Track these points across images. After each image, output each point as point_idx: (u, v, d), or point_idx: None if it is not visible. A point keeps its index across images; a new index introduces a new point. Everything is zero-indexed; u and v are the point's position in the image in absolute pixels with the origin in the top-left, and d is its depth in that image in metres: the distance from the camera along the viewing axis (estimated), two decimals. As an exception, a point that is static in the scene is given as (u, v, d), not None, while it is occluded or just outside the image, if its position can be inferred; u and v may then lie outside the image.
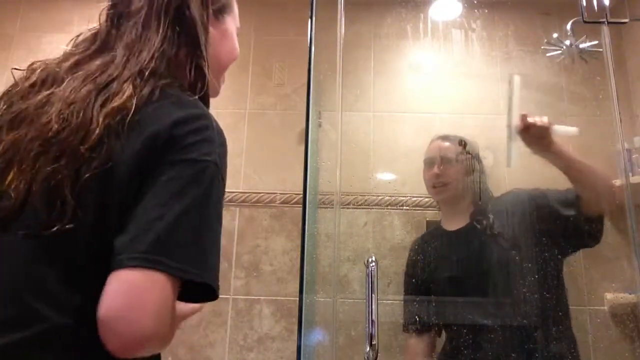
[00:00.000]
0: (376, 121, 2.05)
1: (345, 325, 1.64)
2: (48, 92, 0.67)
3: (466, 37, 2.08)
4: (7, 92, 0.73)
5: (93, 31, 0.74)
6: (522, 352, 1.31)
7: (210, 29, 0.77)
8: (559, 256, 1.40)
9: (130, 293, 0.56)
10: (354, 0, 1.82)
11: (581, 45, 1.73)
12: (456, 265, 1.45)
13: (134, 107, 0.62)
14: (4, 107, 0.69)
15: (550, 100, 2.02)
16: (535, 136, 1.34)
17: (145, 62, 0.67)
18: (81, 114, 0.62)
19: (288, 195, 1.99)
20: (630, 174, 1.71)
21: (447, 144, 1.54)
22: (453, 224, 1.51)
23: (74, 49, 0.73)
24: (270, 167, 2.04)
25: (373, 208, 1.92)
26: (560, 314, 1.36)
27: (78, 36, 0.75)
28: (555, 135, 1.35)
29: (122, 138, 0.61)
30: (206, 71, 0.73)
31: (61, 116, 0.62)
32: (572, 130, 1.46)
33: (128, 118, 0.61)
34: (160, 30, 0.69)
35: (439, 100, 2.07)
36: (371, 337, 1.14)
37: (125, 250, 0.58)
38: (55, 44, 2.20)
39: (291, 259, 1.93)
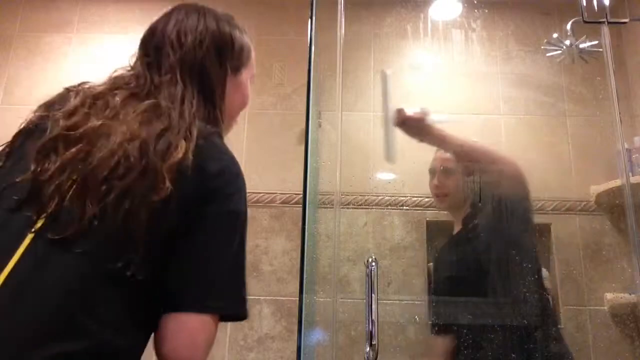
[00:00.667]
0: (376, 121, 2.05)
1: (345, 325, 1.64)
2: (103, 119, 0.71)
3: (466, 37, 2.08)
4: (50, 104, 0.79)
5: (131, 72, 0.81)
6: (523, 353, 1.32)
7: (227, 85, 0.86)
8: (530, 250, 1.43)
9: (189, 335, 0.68)
10: (354, 0, 1.82)
11: (581, 45, 1.73)
12: (451, 268, 1.50)
13: (190, 161, 0.69)
14: (58, 117, 0.73)
15: (550, 100, 2.03)
16: (413, 127, 1.40)
17: (189, 119, 0.74)
18: (144, 160, 0.67)
19: (288, 195, 1.99)
20: (630, 174, 1.71)
21: (447, 154, 1.56)
22: (455, 229, 1.55)
23: (114, 84, 0.79)
24: (270, 167, 2.04)
25: (373, 208, 1.92)
26: (547, 313, 1.39)
27: (115, 71, 0.82)
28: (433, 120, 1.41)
29: (182, 191, 0.67)
30: (220, 120, 0.83)
31: (124, 153, 0.67)
32: (443, 117, 1.52)
33: (188, 172, 0.68)
34: (192, 90, 0.79)
35: (439, 100, 2.07)
36: (371, 337, 1.14)
37: (184, 295, 0.68)
38: (55, 44, 2.21)
39: (291, 259, 1.93)
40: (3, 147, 0.76)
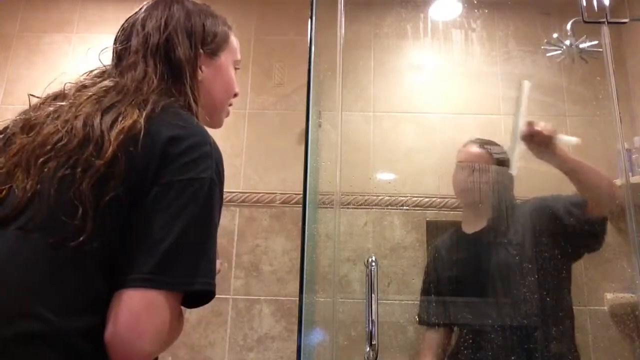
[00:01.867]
0: (376, 121, 2.05)
1: (345, 325, 1.64)
2: (56, 106, 0.74)
3: (466, 37, 2.08)
4: (27, 109, 0.80)
5: (103, 68, 0.85)
6: (523, 353, 1.31)
7: (203, 67, 0.86)
8: (565, 262, 1.43)
9: (130, 315, 0.61)
10: (354, 0, 1.82)
11: (581, 45, 1.72)
12: (466, 267, 1.48)
13: (143, 127, 0.67)
14: (19, 117, 0.76)
15: (550, 100, 2.02)
16: (539, 143, 1.36)
17: (146, 93, 0.74)
18: (88, 128, 0.67)
19: (288, 195, 1.99)
20: (630, 174, 1.71)
21: (480, 150, 1.57)
22: (472, 227, 1.54)
23: (85, 77, 0.82)
24: (270, 167, 2.04)
25: (373, 208, 1.92)
26: (564, 317, 1.38)
27: (92, 71, 0.85)
28: (561, 143, 1.38)
29: (131, 157, 0.66)
30: (190, 97, 0.80)
31: (68, 126, 0.68)
32: (574, 140, 1.48)
33: (140, 137, 0.66)
34: (155, 68, 0.79)
35: (439, 100, 2.07)
36: (371, 337, 1.14)
37: (130, 271, 0.62)
38: (55, 44, 2.21)
39: (291, 259, 1.93)
40: None
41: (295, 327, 1.11)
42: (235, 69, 0.99)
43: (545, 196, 1.54)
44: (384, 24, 2.11)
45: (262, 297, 1.89)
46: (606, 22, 1.58)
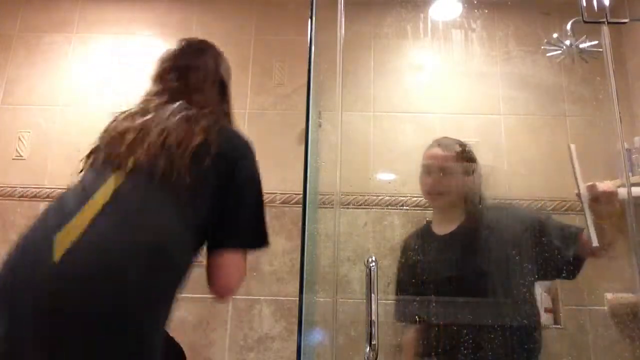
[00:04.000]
0: (376, 121, 2.05)
1: (345, 325, 1.64)
2: (148, 117, 1.06)
3: (466, 37, 2.08)
4: (110, 124, 1.13)
5: (161, 86, 1.15)
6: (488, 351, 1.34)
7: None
8: (535, 279, 1.44)
9: (223, 267, 1.00)
10: (354, 0, 1.82)
11: (581, 45, 1.73)
12: (435, 268, 1.47)
13: (216, 137, 1.04)
14: (113, 126, 1.10)
15: (550, 100, 2.03)
16: (603, 204, 1.29)
17: (213, 113, 1.11)
18: (182, 134, 1.01)
19: (288, 195, 2.00)
20: (630, 174, 1.71)
21: (445, 152, 1.54)
22: (442, 229, 1.53)
23: (149, 97, 1.15)
24: (270, 167, 2.03)
25: (373, 208, 1.92)
26: (529, 319, 1.40)
27: (148, 92, 1.16)
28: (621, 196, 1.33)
29: (214, 152, 1.02)
30: (231, 116, 1.22)
31: (168, 129, 1.02)
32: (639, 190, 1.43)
33: (211, 147, 1.02)
34: (215, 95, 1.18)
35: (439, 100, 2.07)
36: (371, 337, 1.14)
37: (224, 236, 1.01)
38: (55, 44, 2.21)
39: (291, 259, 1.93)
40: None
41: (295, 327, 1.11)
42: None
43: (528, 210, 1.57)
44: (384, 24, 2.11)
45: (262, 297, 1.89)
46: (606, 22, 1.58)
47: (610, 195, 1.28)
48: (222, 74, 1.22)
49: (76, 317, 0.77)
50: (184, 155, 0.97)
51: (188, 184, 0.95)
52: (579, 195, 1.31)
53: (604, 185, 1.29)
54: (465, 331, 1.37)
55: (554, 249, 1.37)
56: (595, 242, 1.27)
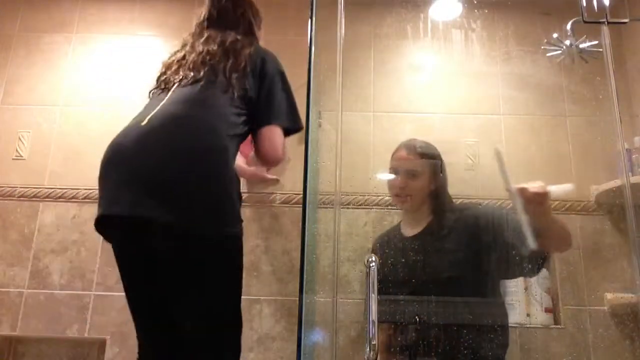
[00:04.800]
0: (376, 121, 2.05)
1: (345, 325, 1.64)
2: (187, 47, 1.45)
3: (466, 37, 2.08)
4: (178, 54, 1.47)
5: (205, 17, 1.50)
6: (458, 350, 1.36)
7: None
8: (500, 276, 1.47)
9: (269, 138, 1.35)
10: (354, 0, 1.82)
11: (581, 45, 1.73)
12: (404, 270, 1.49)
13: (252, 54, 1.41)
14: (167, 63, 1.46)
15: (550, 100, 2.03)
16: (534, 205, 1.31)
17: (245, 37, 1.48)
18: (230, 53, 1.39)
19: (288, 195, 2.00)
20: (630, 174, 1.71)
21: (411, 155, 1.56)
22: (410, 230, 1.55)
23: (198, 27, 1.50)
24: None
25: (373, 208, 1.92)
26: (496, 318, 1.42)
27: (199, 19, 1.51)
28: (553, 196, 1.34)
29: (247, 67, 1.37)
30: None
31: (217, 50, 1.40)
32: (568, 187, 1.47)
33: (252, 61, 1.40)
34: (246, 28, 1.52)
35: (439, 100, 2.07)
36: (371, 337, 1.14)
37: (265, 115, 1.35)
38: (55, 44, 2.21)
39: (291, 259, 1.93)
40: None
41: (295, 327, 1.11)
42: None
43: (491, 209, 1.59)
44: (384, 24, 2.11)
45: (262, 297, 1.89)
46: (606, 22, 1.58)
47: (542, 196, 1.30)
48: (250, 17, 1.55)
49: (160, 153, 1.14)
50: (223, 61, 1.34)
51: (229, 81, 1.31)
52: (513, 199, 1.32)
53: (534, 188, 1.30)
54: (431, 330, 1.38)
55: (515, 247, 1.38)
56: (532, 244, 1.29)
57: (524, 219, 1.31)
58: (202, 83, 1.29)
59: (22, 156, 2.06)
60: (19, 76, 2.16)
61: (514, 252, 1.39)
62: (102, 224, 1.16)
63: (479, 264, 1.43)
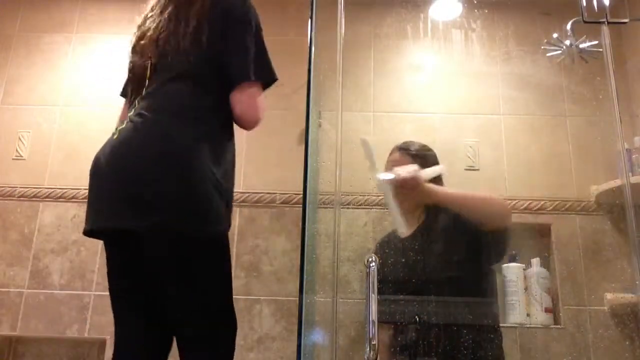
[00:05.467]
0: (376, 121, 2.05)
1: (345, 325, 1.64)
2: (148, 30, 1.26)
3: (466, 37, 2.08)
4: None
5: None
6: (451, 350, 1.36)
7: None
8: (481, 269, 1.47)
9: (249, 100, 1.20)
10: (354, 0, 1.82)
11: (581, 45, 1.73)
12: (399, 269, 1.49)
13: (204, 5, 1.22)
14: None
15: (550, 100, 2.03)
16: (409, 189, 1.34)
17: None
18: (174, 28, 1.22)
19: (288, 195, 1.99)
20: (630, 174, 1.72)
21: (404, 156, 1.54)
22: (407, 230, 1.54)
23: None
24: (270, 167, 2.04)
25: (373, 208, 1.92)
26: (487, 319, 1.42)
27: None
28: (427, 178, 1.37)
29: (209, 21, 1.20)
30: None
31: (175, 18, 1.23)
32: (439, 168, 1.48)
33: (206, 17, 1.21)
34: None
35: (439, 100, 2.07)
36: (371, 337, 1.14)
37: (237, 73, 1.18)
38: (55, 44, 2.21)
39: (291, 259, 1.93)
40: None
41: (295, 327, 1.11)
42: None
43: None
44: (384, 24, 2.11)
45: (262, 297, 1.89)
46: (606, 22, 1.58)
47: (413, 180, 1.33)
48: None
49: (138, 154, 1.11)
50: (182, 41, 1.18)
51: (192, 55, 1.18)
52: (382, 189, 1.35)
53: (404, 173, 1.33)
54: (429, 330, 1.38)
55: (480, 236, 1.40)
56: (404, 231, 1.35)
57: (393, 206, 1.33)
58: (156, 82, 1.19)
59: (22, 156, 2.06)
60: (19, 76, 2.16)
61: (480, 239, 1.40)
62: (90, 234, 1.19)
63: (466, 261, 1.44)
